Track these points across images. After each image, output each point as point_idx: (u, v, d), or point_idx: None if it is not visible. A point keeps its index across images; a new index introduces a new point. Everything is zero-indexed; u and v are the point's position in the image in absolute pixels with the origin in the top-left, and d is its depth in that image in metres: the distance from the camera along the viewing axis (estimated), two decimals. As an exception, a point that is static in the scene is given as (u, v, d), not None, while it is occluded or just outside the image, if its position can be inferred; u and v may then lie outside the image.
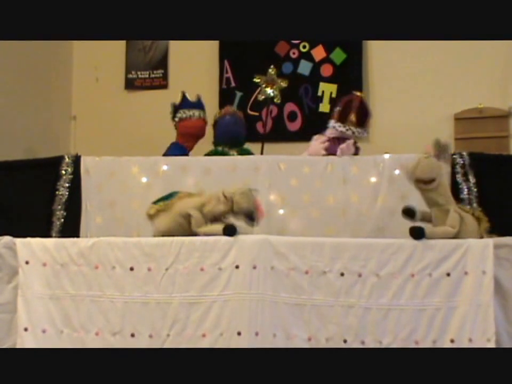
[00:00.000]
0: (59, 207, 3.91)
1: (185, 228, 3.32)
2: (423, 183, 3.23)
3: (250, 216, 3.26)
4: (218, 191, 3.33)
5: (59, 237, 3.75)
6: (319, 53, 5.89)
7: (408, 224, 3.23)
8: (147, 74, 6.40)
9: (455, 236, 3.18)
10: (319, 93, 5.85)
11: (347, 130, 4.18)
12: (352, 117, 4.21)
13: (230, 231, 3.19)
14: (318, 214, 3.88)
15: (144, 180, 4.02)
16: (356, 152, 4.21)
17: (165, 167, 4.03)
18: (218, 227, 3.23)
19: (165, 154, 4.48)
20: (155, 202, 3.44)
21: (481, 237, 3.29)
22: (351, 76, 5.79)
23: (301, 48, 5.93)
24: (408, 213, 3.25)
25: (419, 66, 5.66)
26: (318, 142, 4.23)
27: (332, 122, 4.27)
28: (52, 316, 3.21)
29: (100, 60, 6.43)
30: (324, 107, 5.81)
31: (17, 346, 3.16)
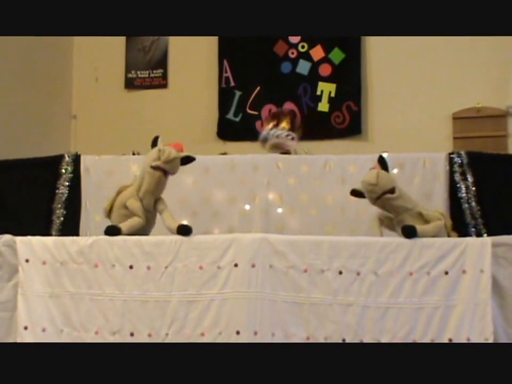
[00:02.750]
0: (59, 205, 3.92)
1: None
2: (390, 192, 3.27)
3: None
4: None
5: (59, 235, 3.77)
6: (317, 52, 5.90)
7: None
8: (147, 73, 6.41)
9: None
10: (318, 92, 5.86)
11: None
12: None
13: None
14: (317, 212, 3.89)
15: (143, 178, 4.03)
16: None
17: (164, 166, 4.04)
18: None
19: None
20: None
21: (448, 235, 3.33)
22: (349, 76, 5.80)
23: (299, 48, 5.94)
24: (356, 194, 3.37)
25: (417, 66, 5.68)
26: None
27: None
28: (52, 314, 3.21)
29: (100, 60, 6.45)
30: (323, 106, 5.82)
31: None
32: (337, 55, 5.85)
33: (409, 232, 3.14)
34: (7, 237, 3.30)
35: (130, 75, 6.41)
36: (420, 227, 3.18)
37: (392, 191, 3.29)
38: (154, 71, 6.38)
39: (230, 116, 6.03)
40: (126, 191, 3.43)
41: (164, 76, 6.37)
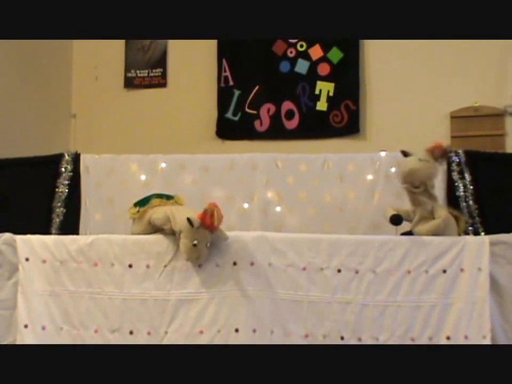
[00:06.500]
0: (59, 204, 3.93)
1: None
2: (413, 187, 3.26)
3: None
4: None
5: (59, 234, 3.77)
6: (316, 52, 5.90)
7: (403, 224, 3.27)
8: (146, 73, 6.41)
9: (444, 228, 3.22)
10: (317, 92, 5.86)
11: None
12: None
13: None
14: (315, 211, 3.90)
15: (143, 177, 4.04)
16: None
17: (163, 165, 4.05)
18: None
19: None
20: (136, 204, 3.43)
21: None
22: (348, 75, 5.81)
23: (298, 47, 5.94)
24: (395, 220, 3.26)
25: (416, 65, 5.68)
26: None
27: None
28: (52, 312, 3.22)
29: (99, 59, 6.45)
30: (321, 105, 5.82)
31: (17, 343, 3.17)
32: (335, 55, 5.85)
33: (396, 220, 3.19)
34: (7, 235, 3.31)
35: (129, 74, 6.41)
36: (418, 228, 3.20)
37: (418, 186, 3.25)
38: (154, 70, 6.38)
39: (229, 115, 6.03)
40: (160, 210, 3.32)
41: (163, 75, 6.36)
